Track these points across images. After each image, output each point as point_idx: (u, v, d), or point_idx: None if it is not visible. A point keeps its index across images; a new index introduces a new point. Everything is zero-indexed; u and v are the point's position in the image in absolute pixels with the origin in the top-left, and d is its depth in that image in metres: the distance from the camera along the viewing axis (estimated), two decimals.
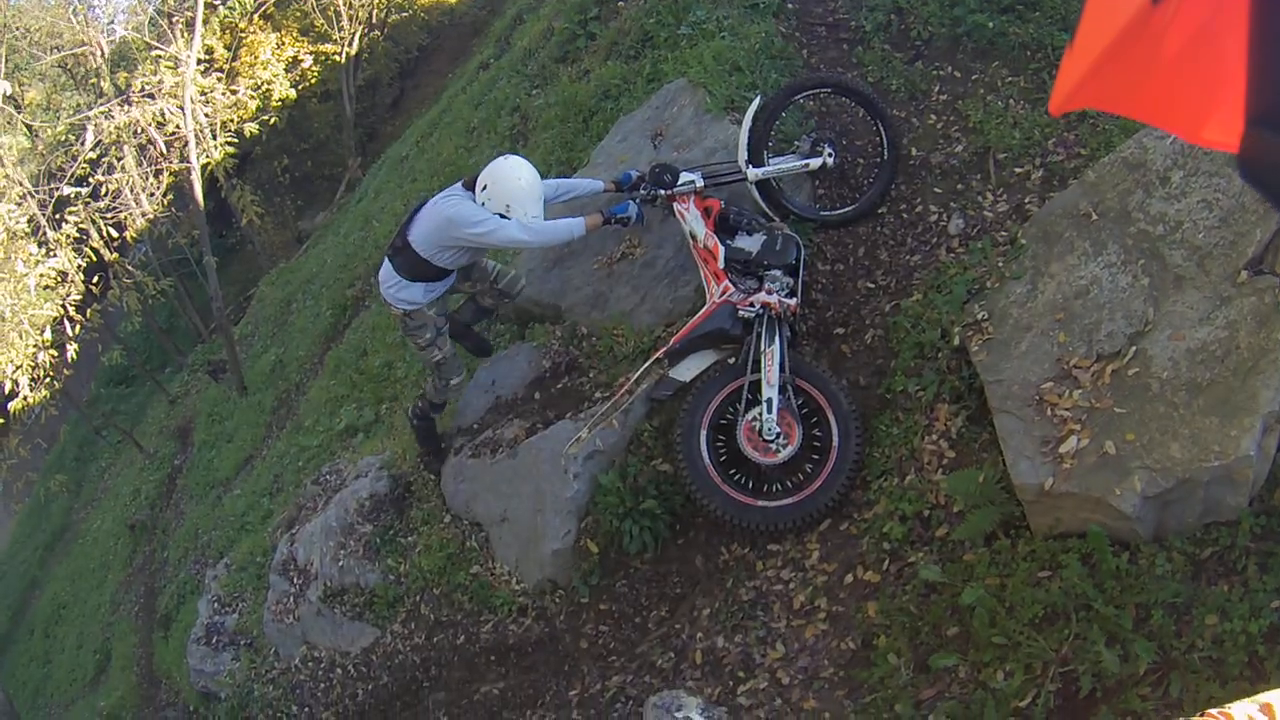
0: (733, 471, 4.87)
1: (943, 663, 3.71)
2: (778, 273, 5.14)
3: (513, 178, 5.14)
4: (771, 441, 4.73)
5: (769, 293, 5.03)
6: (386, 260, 5.51)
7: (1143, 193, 4.16)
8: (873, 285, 5.43)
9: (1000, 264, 4.57)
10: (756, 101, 5.55)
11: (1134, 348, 3.81)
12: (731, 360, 5.08)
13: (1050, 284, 4.25)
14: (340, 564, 6.44)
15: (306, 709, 6.67)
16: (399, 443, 6.97)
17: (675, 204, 5.43)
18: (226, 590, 8.11)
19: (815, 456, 4.77)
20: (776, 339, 4.86)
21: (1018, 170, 5.40)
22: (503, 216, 5.10)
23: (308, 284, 14.64)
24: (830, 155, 5.58)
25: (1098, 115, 5.48)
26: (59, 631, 15.49)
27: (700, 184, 5.44)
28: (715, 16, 7.07)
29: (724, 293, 5.10)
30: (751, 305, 5.01)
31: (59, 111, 19.08)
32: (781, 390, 4.76)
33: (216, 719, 7.71)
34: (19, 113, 17.80)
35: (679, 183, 5.41)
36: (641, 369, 5.15)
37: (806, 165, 5.56)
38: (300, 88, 20.04)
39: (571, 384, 5.92)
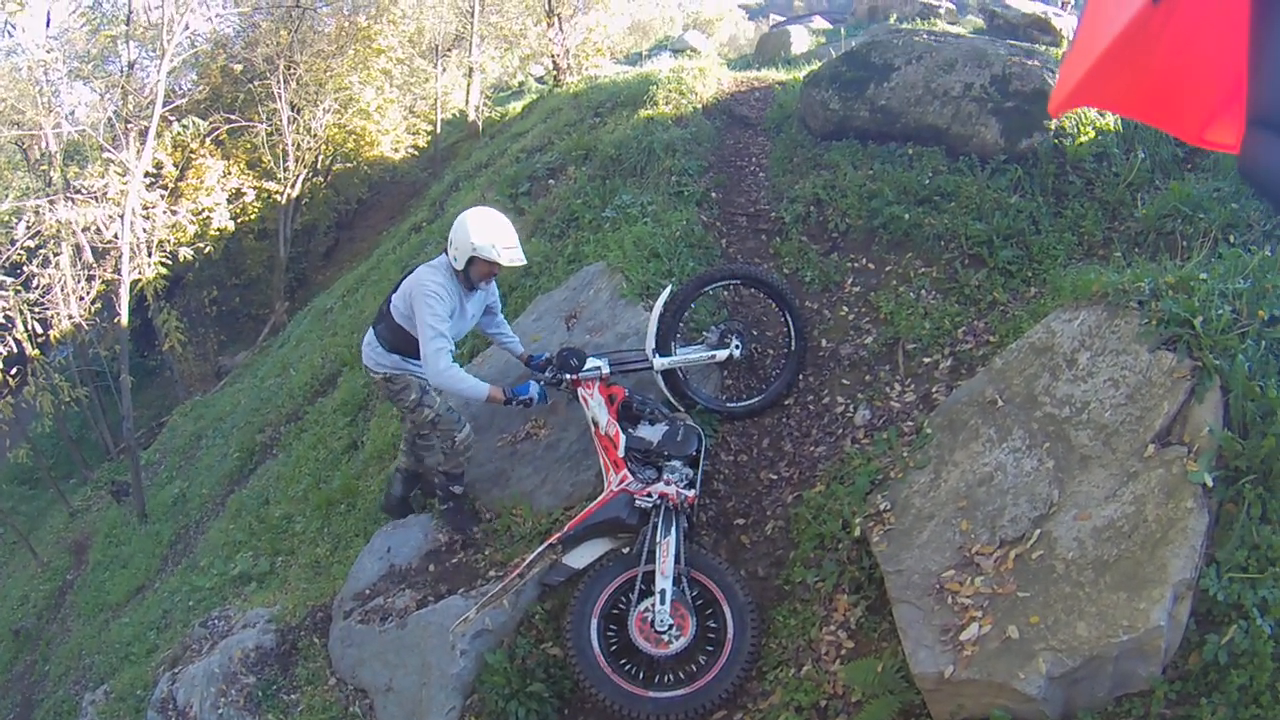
0: (623, 661, 4.73)
1: None
2: (678, 463, 5.14)
3: (476, 222, 5.13)
4: (664, 633, 4.61)
5: (667, 483, 5.01)
6: (370, 328, 5.62)
7: (1049, 376, 4.25)
8: (775, 476, 5.45)
9: (905, 454, 4.62)
10: (667, 291, 5.66)
11: (1038, 530, 3.82)
12: (626, 550, 5.01)
13: (954, 472, 4.30)
14: (220, 712, 6.08)
15: None
16: (291, 597, 6.71)
17: (580, 389, 5.43)
18: (103, 718, 7.63)
19: (709, 648, 4.65)
20: (673, 530, 4.79)
21: (926, 360, 5.52)
22: (464, 278, 5.25)
23: (219, 422, 14.37)
24: (738, 347, 5.65)
25: (1007, 303, 5.66)
26: None
27: (606, 371, 5.47)
28: (640, 202, 7.29)
29: (622, 481, 5.06)
30: (649, 495, 4.96)
31: (8, 190, 18.84)
32: (676, 582, 4.67)
33: None
34: None
35: (585, 368, 5.42)
36: (535, 552, 5.03)
37: (713, 357, 5.66)
38: (239, 221, 20.11)
39: (466, 560, 5.75)
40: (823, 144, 7.97)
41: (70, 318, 14.97)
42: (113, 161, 14.08)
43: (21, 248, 14.69)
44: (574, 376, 5.40)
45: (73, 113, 17.89)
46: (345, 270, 18.04)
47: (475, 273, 5.23)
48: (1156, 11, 1.29)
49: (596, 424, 5.29)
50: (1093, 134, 6.79)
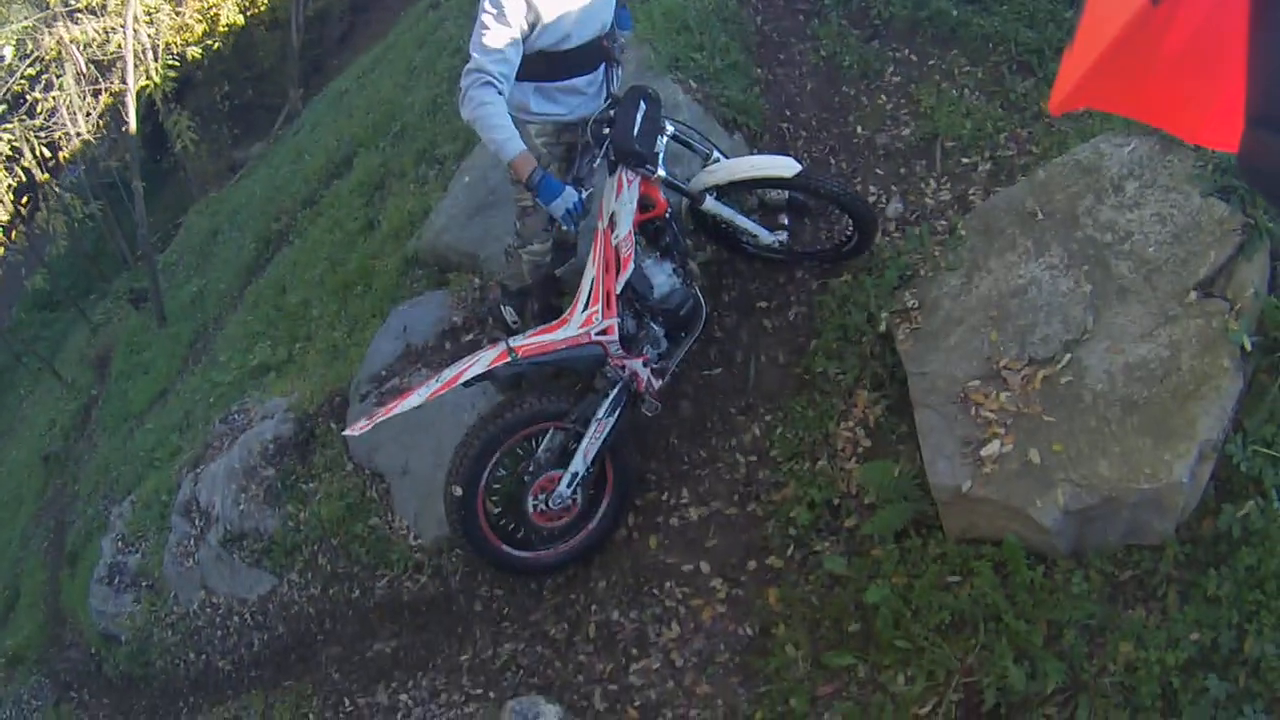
0: (499, 513, 4.45)
1: (839, 661, 3.59)
2: (660, 332, 4.27)
3: None
4: (554, 512, 4.32)
5: (645, 362, 4.19)
6: None
7: (1093, 198, 4.01)
8: None
9: (936, 253, 4.41)
10: (790, 164, 4.27)
11: (1069, 355, 3.66)
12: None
13: (987, 279, 4.10)
14: (241, 508, 6.24)
15: (204, 656, 6.53)
16: (309, 384, 6.71)
17: (624, 170, 4.02)
18: (130, 529, 7.86)
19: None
20: (617, 413, 4.16)
21: (964, 160, 5.24)
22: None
23: (234, 215, 14.20)
24: (783, 236, 4.73)
25: (1055, 118, 5.36)
26: None
27: (661, 173, 4.09)
28: None
29: (605, 331, 4.01)
30: (621, 368, 4.15)
31: (4, 24, 18.35)
32: (590, 464, 4.21)
33: (116, 662, 7.56)
34: None
35: (648, 164, 3.99)
36: (487, 361, 3.95)
37: (757, 236, 4.69)
38: (249, 14, 19.43)
39: (481, 336, 5.60)
40: None
41: (78, 135, 14.77)
42: None
43: (22, 76, 14.41)
44: (640, 171, 4.00)
45: None
46: (361, 53, 17.40)
47: None
48: (1156, 11, 1.28)
49: (613, 224, 3.98)
50: None
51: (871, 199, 5.24)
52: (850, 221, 4.56)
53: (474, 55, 3.66)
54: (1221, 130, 1.41)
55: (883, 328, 4.30)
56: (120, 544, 7.81)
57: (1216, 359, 3.36)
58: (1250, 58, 1.27)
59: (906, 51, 6.01)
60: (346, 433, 4.18)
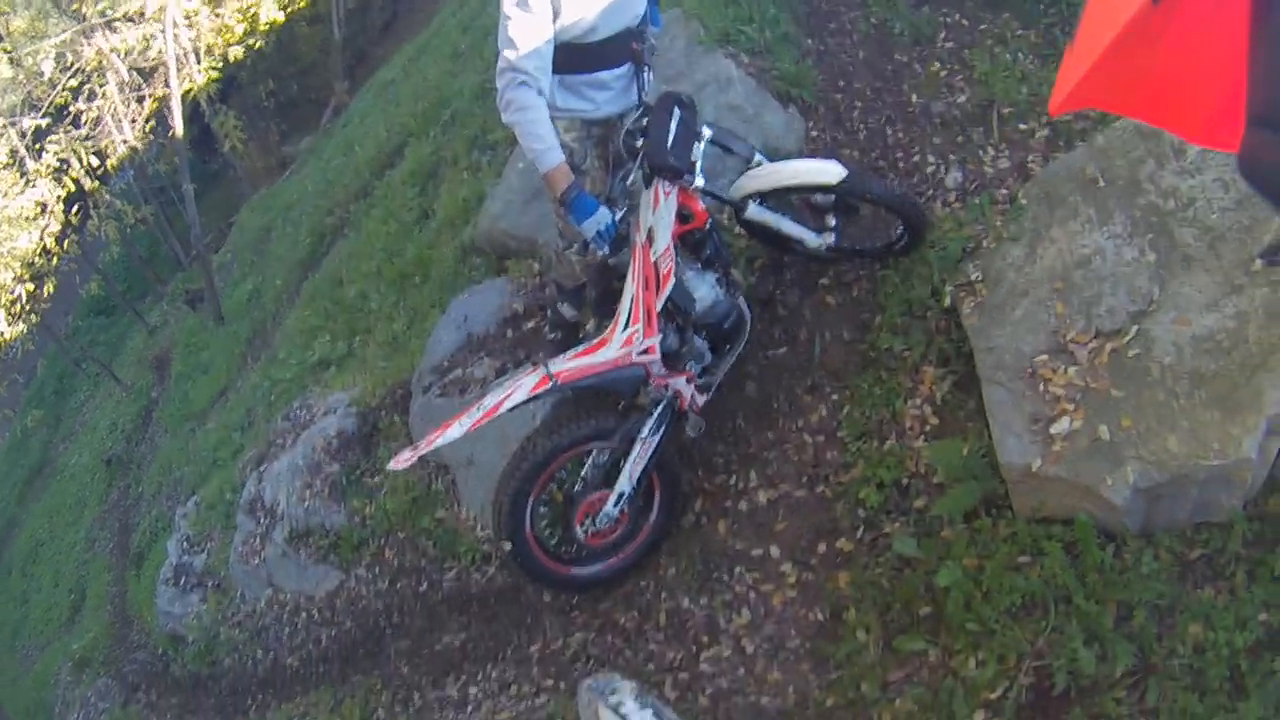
0: (547, 530, 4.46)
1: (911, 646, 3.54)
2: (703, 347, 4.18)
3: None
4: (602, 531, 4.30)
5: (688, 379, 4.10)
6: None
7: (1155, 163, 3.87)
8: None
9: (998, 223, 4.31)
10: (839, 169, 4.07)
11: (1136, 327, 3.54)
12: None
13: (1050, 249, 3.99)
14: (306, 504, 6.32)
15: (271, 653, 6.61)
16: (370, 378, 6.76)
17: (660, 179, 3.85)
18: (196, 529, 8.02)
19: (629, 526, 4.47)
20: (661, 431, 4.10)
21: (1022, 127, 5.11)
22: None
23: (288, 211, 14.33)
24: (832, 239, 4.43)
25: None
26: (36, 570, 15.35)
27: (700, 182, 3.93)
28: None
29: (646, 350, 3.92)
30: (665, 387, 4.09)
31: (44, 39, 18.66)
32: (635, 483, 4.16)
33: (184, 661, 7.70)
34: (1, 41, 17.37)
35: (685, 175, 3.84)
36: (526, 391, 3.86)
37: (803, 240, 4.47)
38: (289, 10, 19.55)
39: (544, 324, 5.49)
40: None
41: (125, 142, 15.03)
42: None
43: (65, 88, 14.71)
44: (675, 183, 3.85)
45: None
46: (405, 41, 17.40)
47: None
48: (1156, 12, 1.28)
49: (651, 239, 3.85)
50: None
51: (930, 169, 5.12)
52: (900, 222, 4.40)
53: (503, 52, 3.50)
54: (1221, 130, 1.42)
55: (947, 301, 4.20)
56: (185, 544, 7.97)
57: None
58: (1250, 58, 1.28)
59: (957, 16, 5.87)
60: (391, 466, 4.09)
